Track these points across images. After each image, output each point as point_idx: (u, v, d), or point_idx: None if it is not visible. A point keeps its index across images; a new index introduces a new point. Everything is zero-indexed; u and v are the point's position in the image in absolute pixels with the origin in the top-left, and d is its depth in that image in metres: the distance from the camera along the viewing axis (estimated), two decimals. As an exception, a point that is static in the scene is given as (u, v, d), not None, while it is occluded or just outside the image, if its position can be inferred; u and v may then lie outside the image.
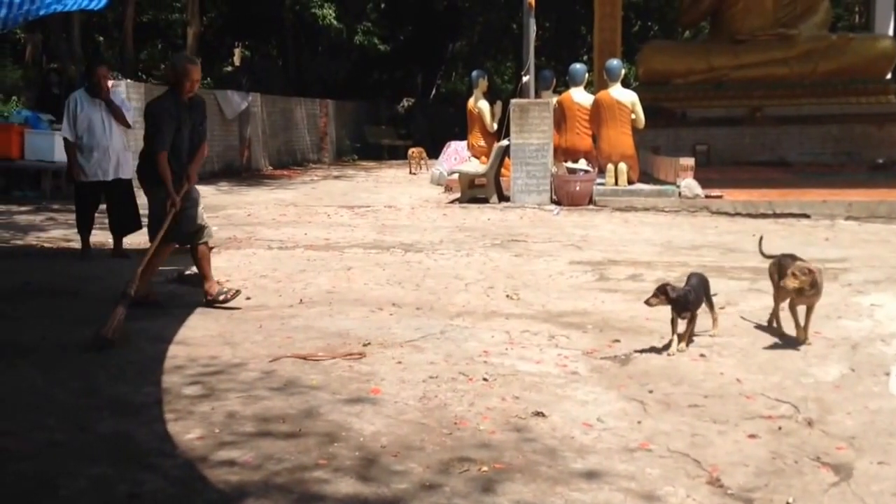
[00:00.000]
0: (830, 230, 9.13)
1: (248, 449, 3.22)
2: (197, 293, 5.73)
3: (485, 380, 4.07)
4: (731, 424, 3.48)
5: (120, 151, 7.62)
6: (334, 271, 6.89)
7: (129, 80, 15.43)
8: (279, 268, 7.03)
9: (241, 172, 18.57)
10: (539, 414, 3.60)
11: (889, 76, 16.60)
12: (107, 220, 7.70)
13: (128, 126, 7.78)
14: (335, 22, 22.09)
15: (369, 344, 4.66)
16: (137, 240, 8.16)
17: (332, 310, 5.53)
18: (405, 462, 3.08)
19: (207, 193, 14.14)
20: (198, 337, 4.85)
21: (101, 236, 8.09)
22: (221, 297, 5.53)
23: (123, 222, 7.62)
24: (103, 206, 7.72)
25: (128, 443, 3.30)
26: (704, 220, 9.98)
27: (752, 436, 3.35)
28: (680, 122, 16.32)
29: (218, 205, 12.32)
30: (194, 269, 5.85)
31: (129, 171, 7.62)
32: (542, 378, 4.12)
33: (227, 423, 3.49)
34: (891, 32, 18.51)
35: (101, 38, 24.55)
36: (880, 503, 2.78)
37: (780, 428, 3.43)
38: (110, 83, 8.36)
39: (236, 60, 28.41)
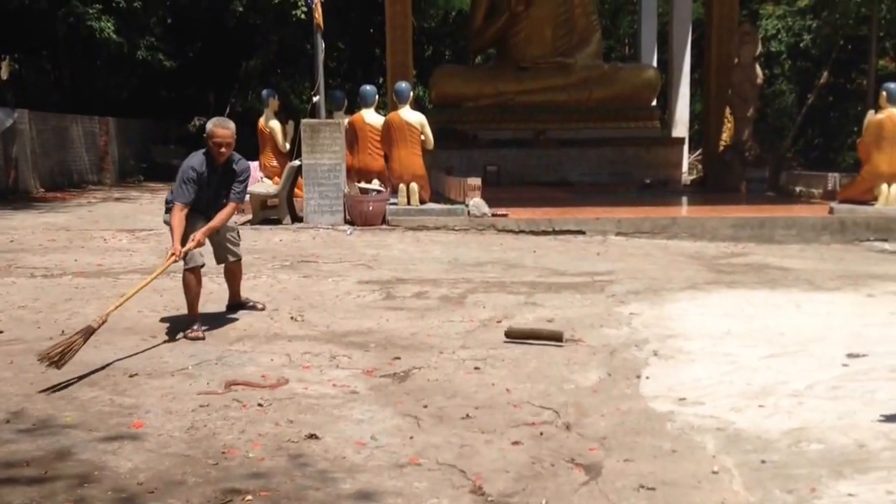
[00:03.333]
0: (602, 245, 9.73)
1: (-21, 498, 2.94)
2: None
3: (259, 405, 3.97)
4: (497, 433, 3.60)
5: None
6: (106, 299, 6.49)
7: None
8: (41, 297, 6.54)
9: (7, 195, 17.10)
10: (312, 436, 3.56)
11: (654, 103, 18.02)
12: None
13: None
14: (114, 36, 20.90)
15: (137, 375, 4.43)
16: None
17: (99, 340, 5.17)
18: (164, 498, 2.94)
19: (-37, 218, 12.96)
20: (-64, 377, 4.40)
21: None
22: (186, 331, 5.39)
23: None
24: None
25: None
26: (491, 238, 10.34)
27: (515, 443, 3.48)
28: (472, 144, 16.88)
29: (-27, 231, 11.30)
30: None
31: None
32: (319, 400, 4.08)
33: (-42, 471, 3.17)
34: (654, 63, 20.17)
35: None
36: (623, 498, 2.97)
37: (541, 433, 3.59)
38: None
39: (3, 74, 26.26)
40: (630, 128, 17.09)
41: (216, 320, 5.81)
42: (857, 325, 5.57)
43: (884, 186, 10.85)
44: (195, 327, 5.40)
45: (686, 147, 19.53)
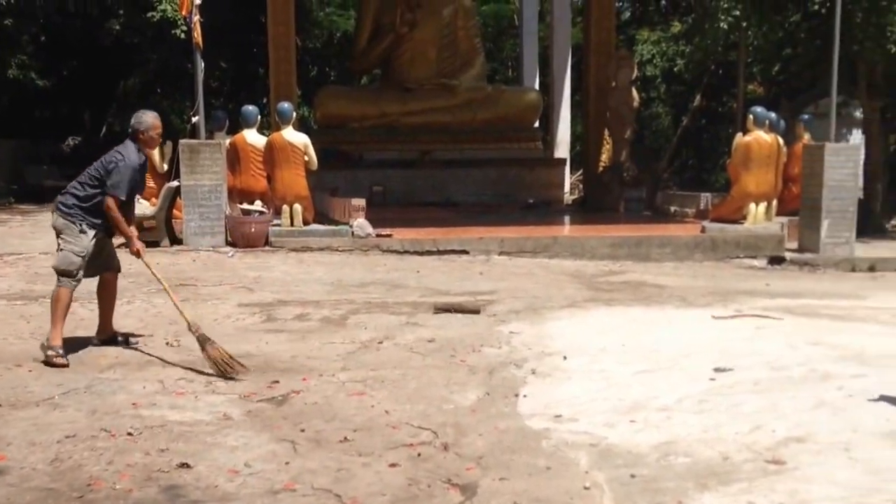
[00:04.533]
0: (486, 265, 9.84)
1: None
2: None
3: (129, 434, 3.84)
4: (375, 456, 3.59)
5: None
6: (-31, 327, 6.17)
7: None
8: None
9: None
10: (184, 465, 3.47)
11: (537, 125, 18.45)
12: None
13: None
14: (-17, 54, 19.99)
15: (-2, 406, 4.21)
16: None
17: (-41, 371, 4.93)
18: (22, 535, 2.80)
19: None
20: None
21: None
22: (50, 354, 5.08)
23: None
24: None
25: None
26: (375, 259, 10.32)
27: (393, 465, 3.48)
28: (357, 165, 16.84)
29: None
30: None
31: None
32: (193, 427, 3.97)
33: None
34: (537, 86, 20.67)
35: None
36: (498, 517, 3.01)
37: (419, 454, 3.60)
38: None
39: None
40: (513, 149, 17.40)
41: (86, 346, 5.57)
42: (725, 341, 5.82)
43: (752, 206, 11.41)
44: (60, 351, 5.14)
45: (567, 168, 20.00)
